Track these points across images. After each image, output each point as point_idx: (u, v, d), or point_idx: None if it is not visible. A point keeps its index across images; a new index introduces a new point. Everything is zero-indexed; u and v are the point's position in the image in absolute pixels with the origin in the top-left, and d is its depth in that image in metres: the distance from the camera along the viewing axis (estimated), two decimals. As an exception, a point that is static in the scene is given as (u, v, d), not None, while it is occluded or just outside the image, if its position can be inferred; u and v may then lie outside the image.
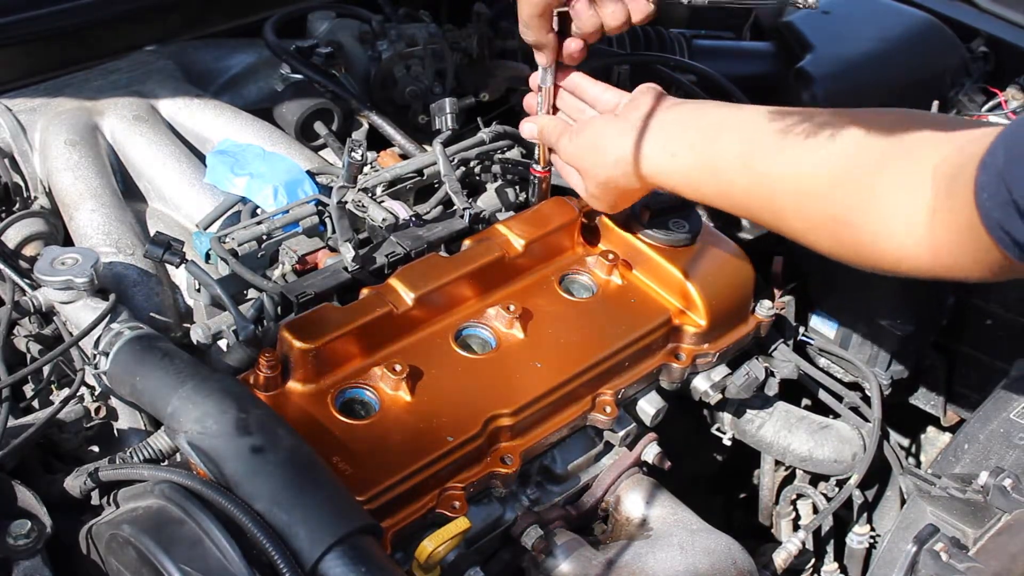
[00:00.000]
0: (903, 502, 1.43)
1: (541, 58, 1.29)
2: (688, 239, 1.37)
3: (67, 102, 1.54)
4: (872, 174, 0.86)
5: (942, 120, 0.96)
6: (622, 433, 1.29)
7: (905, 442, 1.82)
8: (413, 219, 1.38)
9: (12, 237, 1.42)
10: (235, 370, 1.19)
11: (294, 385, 1.16)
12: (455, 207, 1.41)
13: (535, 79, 1.35)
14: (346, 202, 1.33)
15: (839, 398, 1.56)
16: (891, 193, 0.83)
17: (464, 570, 1.14)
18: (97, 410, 1.24)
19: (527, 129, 1.36)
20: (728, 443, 1.54)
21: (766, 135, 1.04)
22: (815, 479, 1.56)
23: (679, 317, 1.34)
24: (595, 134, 1.24)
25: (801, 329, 1.60)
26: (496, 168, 1.53)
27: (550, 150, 1.35)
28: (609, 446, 1.31)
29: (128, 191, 1.50)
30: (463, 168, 1.51)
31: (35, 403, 1.27)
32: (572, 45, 1.26)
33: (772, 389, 1.48)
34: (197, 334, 1.21)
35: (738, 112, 1.12)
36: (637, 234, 1.37)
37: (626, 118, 1.20)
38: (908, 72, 1.92)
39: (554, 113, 1.34)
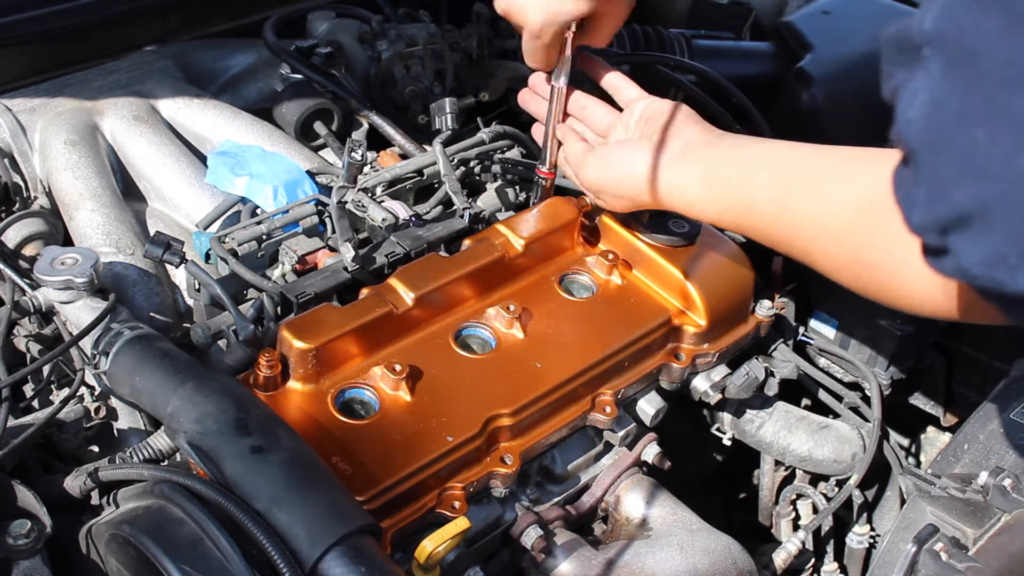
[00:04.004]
0: (903, 502, 1.43)
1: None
2: (688, 239, 1.37)
3: (67, 102, 1.54)
4: (893, 217, 0.85)
5: None
6: (622, 433, 1.29)
7: (905, 442, 1.82)
8: (413, 219, 1.38)
9: (12, 237, 1.42)
10: (235, 370, 1.19)
11: (294, 385, 1.16)
12: (455, 207, 1.41)
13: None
14: (346, 202, 1.33)
15: (839, 398, 1.56)
16: (910, 239, 0.83)
17: (464, 570, 1.14)
18: (97, 410, 1.24)
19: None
20: (728, 443, 1.54)
21: (798, 174, 1.04)
22: (815, 479, 1.56)
23: (679, 317, 1.34)
24: (626, 162, 1.22)
25: (801, 329, 1.59)
26: (496, 168, 1.53)
27: (559, 143, 1.35)
28: (609, 446, 1.31)
29: (128, 191, 1.50)
30: (463, 168, 1.51)
31: (35, 403, 1.27)
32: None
33: (772, 389, 1.48)
34: (197, 334, 1.21)
35: (773, 149, 1.12)
36: (637, 234, 1.37)
37: (665, 147, 1.19)
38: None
39: (564, 119, 1.34)
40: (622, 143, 1.26)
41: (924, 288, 0.85)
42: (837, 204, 0.97)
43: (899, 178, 0.79)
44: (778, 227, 1.06)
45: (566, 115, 1.34)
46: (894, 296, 0.92)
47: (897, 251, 0.86)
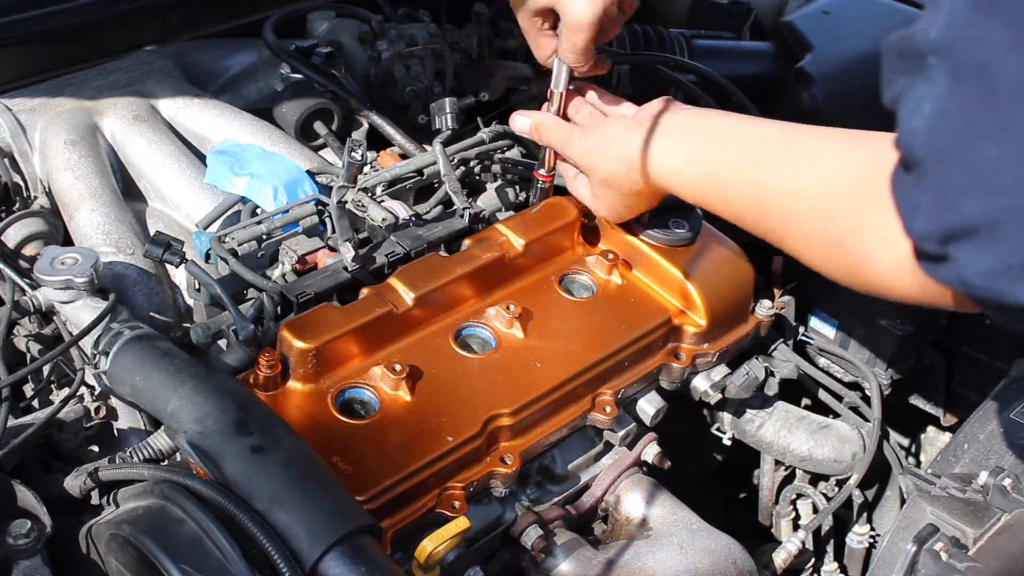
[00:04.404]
0: (903, 502, 1.43)
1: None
2: (688, 239, 1.37)
3: (67, 102, 1.54)
4: (868, 201, 0.85)
5: None
6: (622, 433, 1.29)
7: (905, 442, 1.82)
8: (413, 219, 1.38)
9: (12, 237, 1.42)
10: (235, 370, 1.19)
11: (294, 385, 1.16)
12: (455, 207, 1.41)
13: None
14: (346, 202, 1.33)
15: (839, 398, 1.56)
16: (884, 224, 0.82)
17: (464, 570, 1.14)
18: (97, 410, 1.24)
19: (519, 122, 1.35)
20: (728, 443, 1.54)
21: (771, 150, 1.03)
22: (815, 479, 1.56)
23: (679, 317, 1.34)
24: (605, 132, 1.24)
25: (801, 329, 1.60)
26: (496, 168, 1.53)
27: (556, 155, 1.35)
28: (609, 446, 1.31)
29: (128, 191, 1.50)
30: (463, 168, 1.51)
31: (35, 403, 1.27)
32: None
33: (772, 389, 1.48)
34: (197, 334, 1.21)
35: (748, 124, 1.11)
36: (637, 234, 1.37)
37: (635, 118, 1.20)
38: (908, 72, 1.91)
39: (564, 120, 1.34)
40: (605, 119, 1.28)
41: (899, 277, 0.85)
42: (812, 183, 0.96)
43: (898, 182, 0.79)
44: (748, 203, 1.05)
45: (566, 119, 1.34)
46: (867, 280, 0.91)
47: (877, 239, 0.86)
